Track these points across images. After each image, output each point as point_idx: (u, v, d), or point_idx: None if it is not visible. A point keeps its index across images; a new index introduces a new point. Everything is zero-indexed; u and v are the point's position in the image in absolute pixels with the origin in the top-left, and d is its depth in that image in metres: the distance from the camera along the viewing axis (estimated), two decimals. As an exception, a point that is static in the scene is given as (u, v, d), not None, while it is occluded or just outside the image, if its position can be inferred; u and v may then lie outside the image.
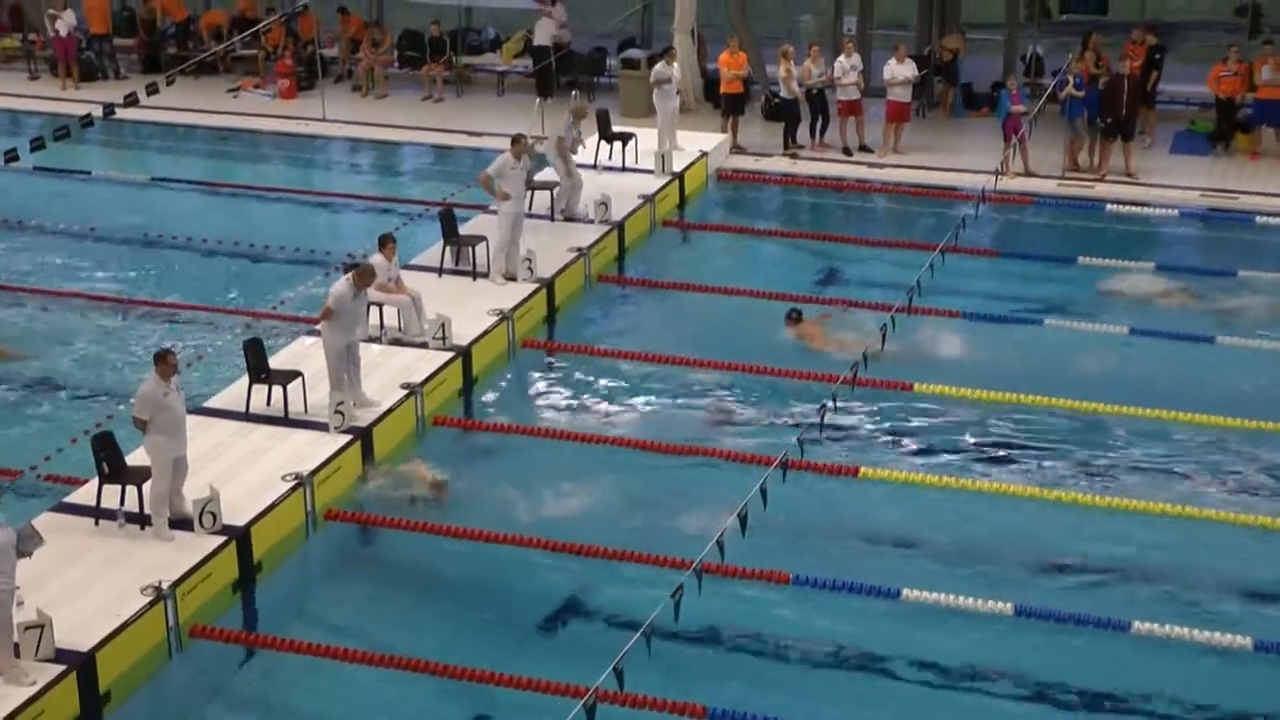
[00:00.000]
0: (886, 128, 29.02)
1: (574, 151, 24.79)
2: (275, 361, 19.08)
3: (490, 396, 20.31)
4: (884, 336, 17.21)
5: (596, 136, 27.20)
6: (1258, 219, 25.57)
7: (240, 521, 16.09)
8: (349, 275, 18.29)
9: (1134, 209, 26.27)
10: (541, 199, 24.58)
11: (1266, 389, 19.81)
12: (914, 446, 18.76)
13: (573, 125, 24.60)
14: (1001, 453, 18.62)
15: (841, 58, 28.85)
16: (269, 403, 18.36)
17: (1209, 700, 14.09)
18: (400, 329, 20.36)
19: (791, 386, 19.84)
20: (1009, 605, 15.07)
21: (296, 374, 18.48)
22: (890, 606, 15.29)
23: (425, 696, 14.32)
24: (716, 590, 14.43)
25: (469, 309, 21.04)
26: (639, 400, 19.91)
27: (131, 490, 16.05)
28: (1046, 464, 18.32)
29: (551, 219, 24.46)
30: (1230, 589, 15.73)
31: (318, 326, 18.61)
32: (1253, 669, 14.48)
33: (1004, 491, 17.40)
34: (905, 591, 15.29)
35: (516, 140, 22.23)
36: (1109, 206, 26.34)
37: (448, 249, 22.75)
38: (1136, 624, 14.80)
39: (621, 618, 14.86)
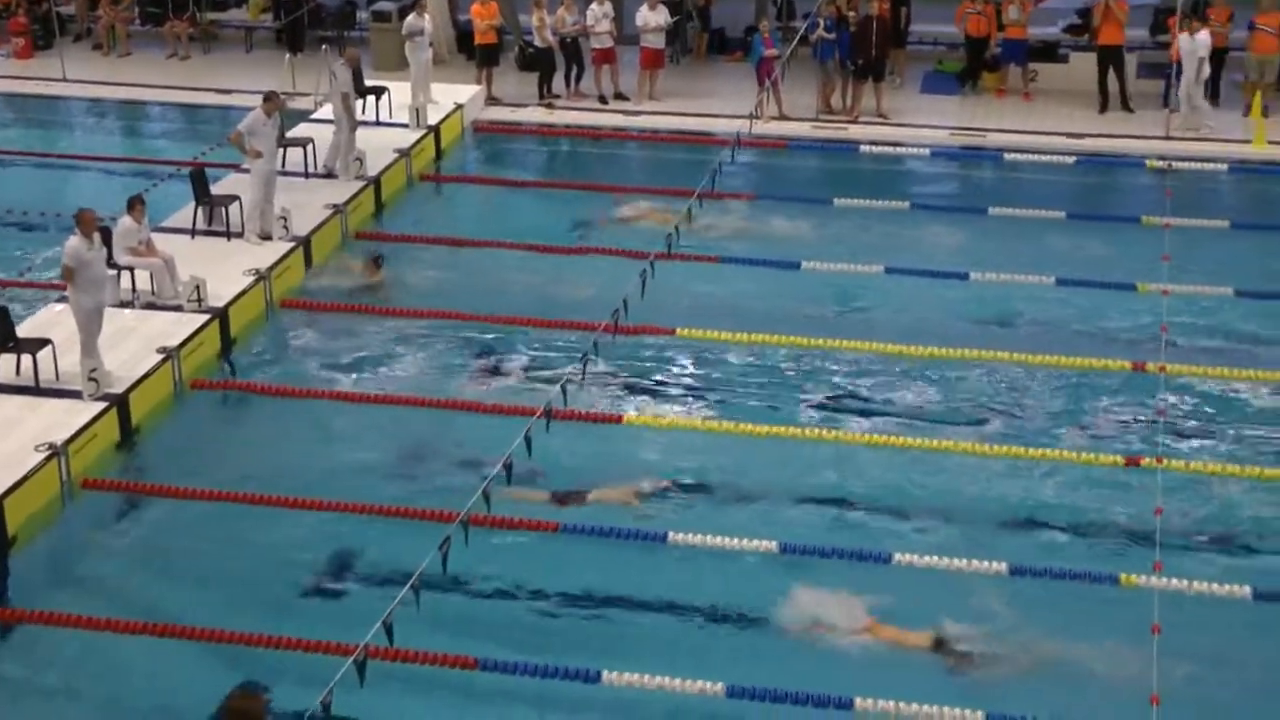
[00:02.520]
0: (641, 75, 29.05)
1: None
2: (23, 330, 18.48)
3: (250, 358, 19.91)
4: (644, 283, 17.23)
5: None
6: (1005, 156, 26.16)
7: (-9, 494, 15.61)
8: (76, 228, 17.71)
9: (887, 149, 26.73)
10: (294, 156, 24.14)
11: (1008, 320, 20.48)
12: (678, 391, 18.85)
13: (350, 74, 24.38)
14: (763, 394, 18.80)
15: (594, 5, 28.78)
16: (18, 372, 17.78)
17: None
18: (154, 292, 19.86)
19: (554, 336, 19.81)
20: (774, 543, 15.24)
21: (46, 341, 17.93)
22: (656, 551, 15.34)
23: (191, 663, 13.99)
24: (486, 541, 14.35)
25: (224, 269, 20.60)
26: (402, 356, 19.70)
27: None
28: (809, 404, 18.54)
29: (306, 176, 24.04)
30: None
31: (66, 292, 18.07)
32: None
33: (767, 434, 17.56)
34: (671, 535, 15.36)
35: (269, 97, 21.78)
36: (862, 147, 26.74)
37: (200, 210, 22.23)
38: (898, 555, 15.06)
39: (391, 574, 14.68)
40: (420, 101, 26.92)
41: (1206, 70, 26.91)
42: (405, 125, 26.50)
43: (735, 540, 15.29)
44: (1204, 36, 26.65)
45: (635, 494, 16.28)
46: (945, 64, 30.57)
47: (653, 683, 13.29)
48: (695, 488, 16.62)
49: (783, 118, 27.74)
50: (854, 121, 27.86)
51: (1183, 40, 26.77)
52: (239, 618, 14.34)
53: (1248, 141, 26.55)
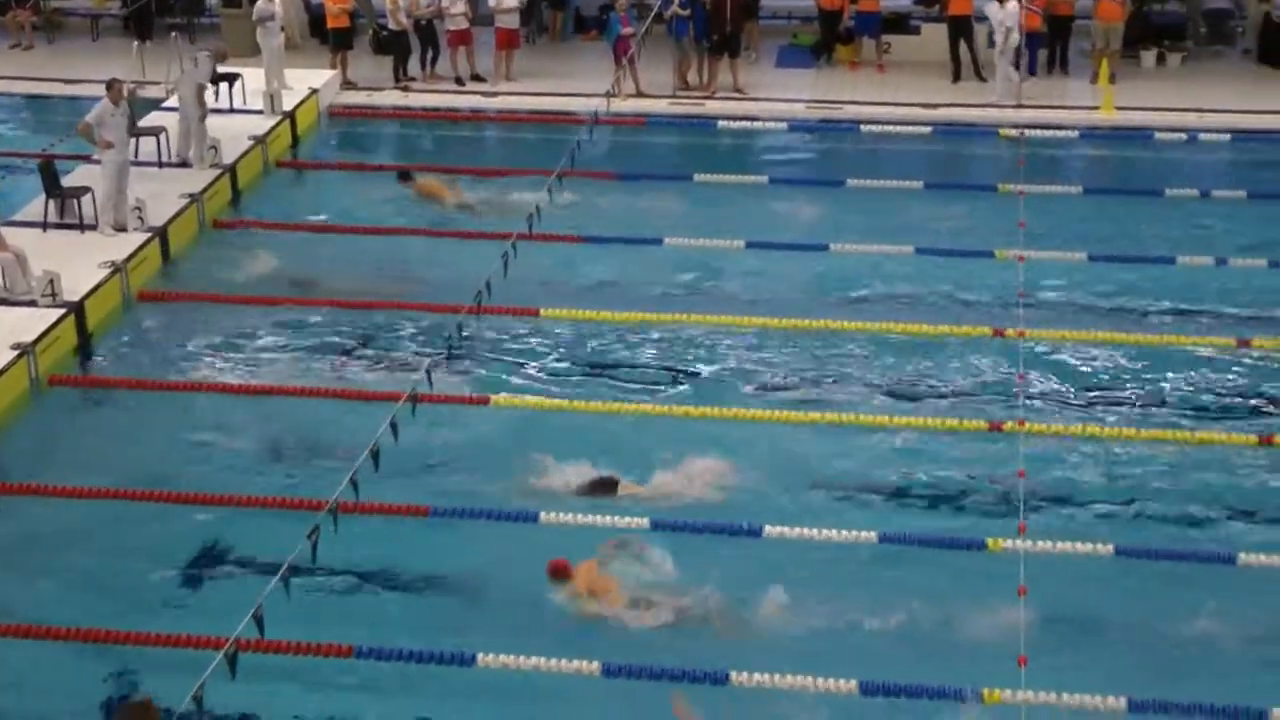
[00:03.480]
0: (497, 55, 28.94)
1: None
2: None
3: (108, 352, 19.59)
4: (506, 264, 17.18)
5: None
6: (861, 128, 26.40)
7: None
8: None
9: (744, 124, 26.87)
10: (148, 145, 23.78)
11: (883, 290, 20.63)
12: (544, 372, 18.82)
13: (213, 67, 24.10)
14: (632, 371, 18.83)
15: (449, -13, 28.65)
16: None
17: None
18: (5, 288, 19.49)
19: (418, 320, 19.70)
20: (645, 520, 15.26)
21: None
22: (528, 531, 15.31)
23: (57, 665, 13.76)
24: (356, 528, 14.24)
25: (78, 263, 20.25)
26: (264, 346, 19.49)
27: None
28: (677, 379, 18.60)
29: (159, 165, 23.70)
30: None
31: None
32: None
33: (634, 411, 17.60)
34: (543, 515, 15.34)
35: (111, 85, 21.44)
36: (720, 123, 26.87)
37: (50, 202, 21.82)
38: (768, 527, 15.15)
39: (260, 565, 14.53)
40: (274, 87, 26.62)
41: (1015, 39, 27.22)
42: (259, 112, 26.18)
43: (609, 518, 15.30)
44: (1012, 7, 27.06)
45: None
46: (800, 37, 30.80)
47: (528, 663, 13.28)
48: (562, 468, 16.52)
49: (640, 95, 27.76)
50: (711, 97, 27.97)
51: (991, 11, 27.22)
52: (106, 616, 14.11)
53: (1097, 108, 27.01)
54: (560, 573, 14.36)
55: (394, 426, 13.71)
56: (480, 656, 13.36)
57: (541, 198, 19.21)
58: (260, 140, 25.13)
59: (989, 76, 28.09)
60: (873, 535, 15.06)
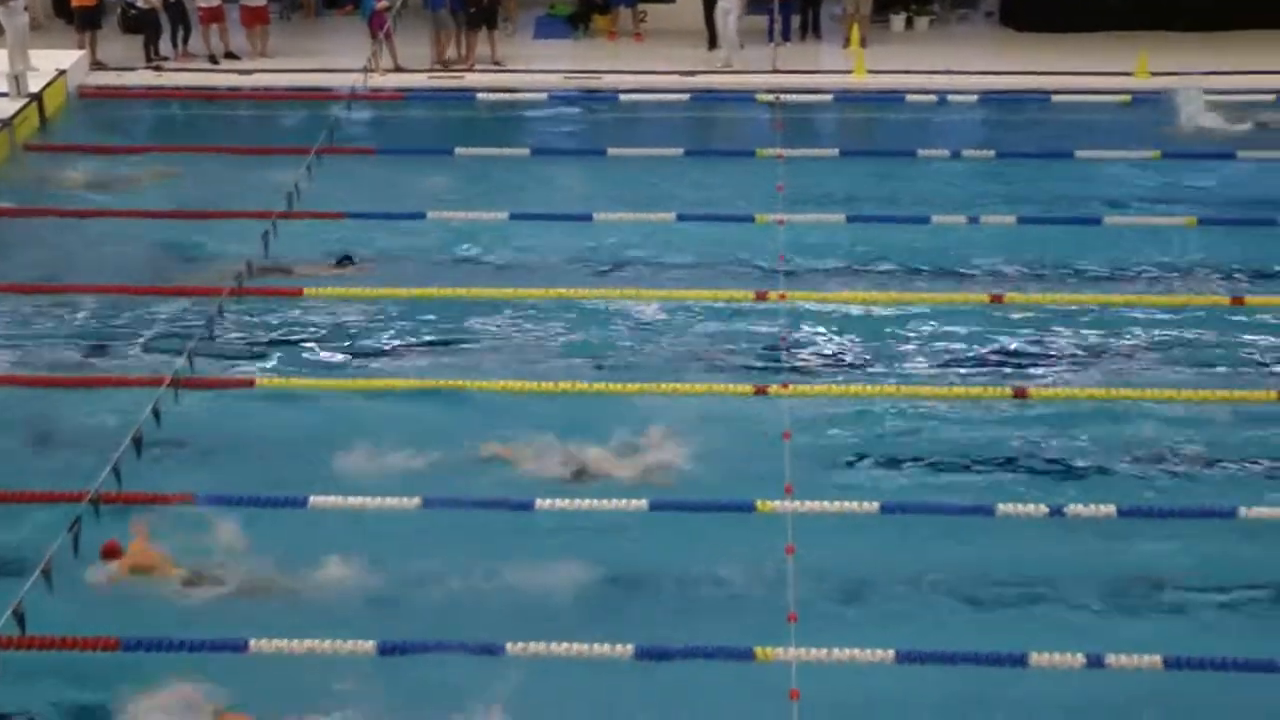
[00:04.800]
0: (249, 33, 28.51)
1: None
2: None
3: None
4: (267, 243, 16.96)
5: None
6: (621, 97, 26.54)
7: None
8: None
9: (504, 96, 26.84)
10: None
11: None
12: (311, 352, 18.62)
13: None
14: (401, 344, 18.71)
15: (198, -36, 28.13)
16: None
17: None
18: None
19: (178, 303, 19.34)
20: (416, 500, 15.16)
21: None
22: (299, 515, 15.13)
23: None
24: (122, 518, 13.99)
25: None
26: (20, 335, 18.95)
27: None
28: (441, 353, 18.54)
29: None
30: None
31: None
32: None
33: (404, 387, 17.51)
34: (313, 499, 15.16)
35: None
36: (480, 96, 26.79)
37: None
38: (538, 500, 15.18)
39: (22, 561, 14.16)
40: (19, 69, 25.85)
41: (732, 5, 27.70)
42: (4, 95, 25.44)
43: (376, 500, 15.19)
44: None
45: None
46: (557, 8, 30.83)
47: (301, 647, 13.15)
48: (339, 450, 16.32)
49: (399, 70, 27.57)
50: (470, 70, 27.87)
51: None
52: None
53: (850, 72, 27.50)
54: (112, 554, 14.08)
55: (156, 413, 13.49)
56: (252, 642, 13.12)
57: (301, 175, 18.99)
58: (6, 124, 24.42)
59: (745, 43, 28.37)
60: (643, 504, 15.16)
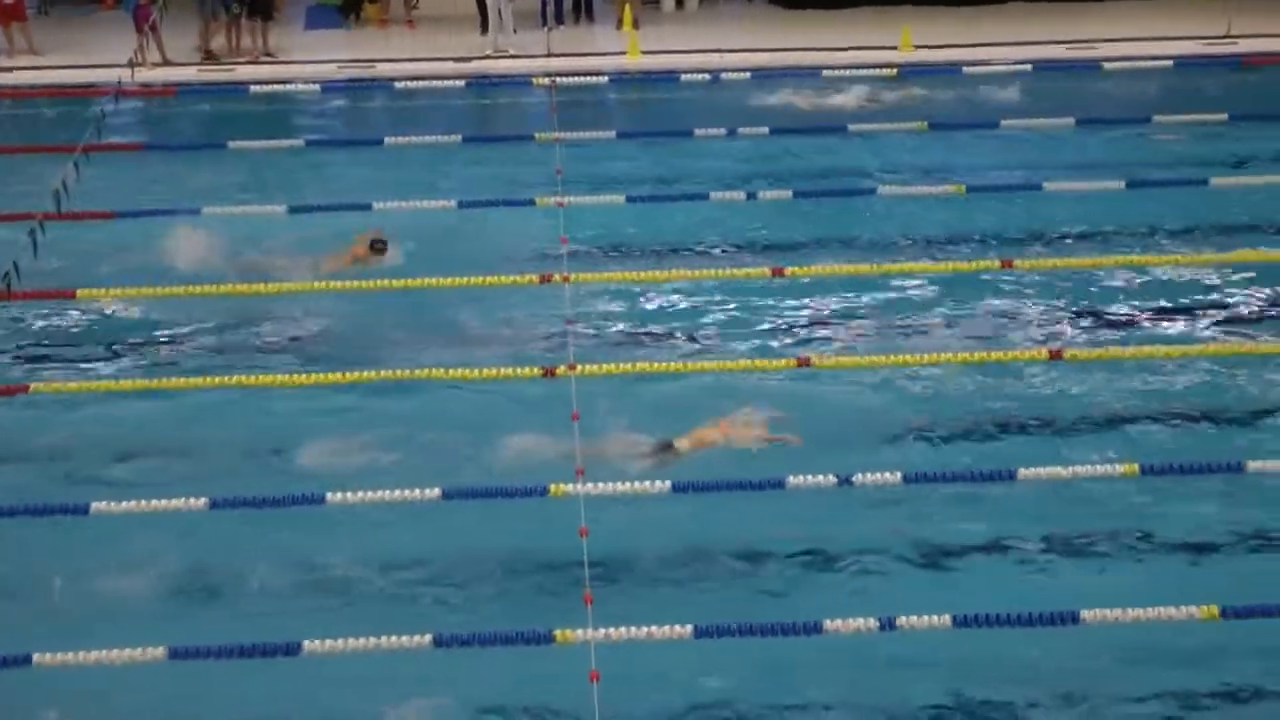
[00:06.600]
0: (6, 31, 27.76)
1: None
2: None
3: None
4: (35, 244, 16.52)
5: None
6: (396, 85, 26.36)
7: None
8: None
9: (277, 88, 26.45)
10: None
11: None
12: (86, 355, 18.21)
13: None
14: (188, 345, 18.39)
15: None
16: None
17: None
18: None
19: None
20: (203, 500, 14.87)
21: None
22: (81, 522, 14.73)
23: None
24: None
25: None
26: None
27: None
28: (227, 352, 18.30)
29: None
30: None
31: None
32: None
33: (186, 386, 17.20)
34: (95, 505, 14.76)
35: None
36: (252, 88, 26.36)
37: None
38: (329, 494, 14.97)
39: None
40: None
41: None
42: None
43: (165, 502, 14.87)
44: None
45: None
46: (327, -3, 30.55)
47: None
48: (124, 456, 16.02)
49: (166, 64, 27.07)
50: (240, 63, 27.46)
51: None
52: None
53: (624, 53, 27.64)
54: None
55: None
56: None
57: (69, 173, 18.52)
58: None
59: (519, 28, 28.38)
60: (436, 493, 15.06)
